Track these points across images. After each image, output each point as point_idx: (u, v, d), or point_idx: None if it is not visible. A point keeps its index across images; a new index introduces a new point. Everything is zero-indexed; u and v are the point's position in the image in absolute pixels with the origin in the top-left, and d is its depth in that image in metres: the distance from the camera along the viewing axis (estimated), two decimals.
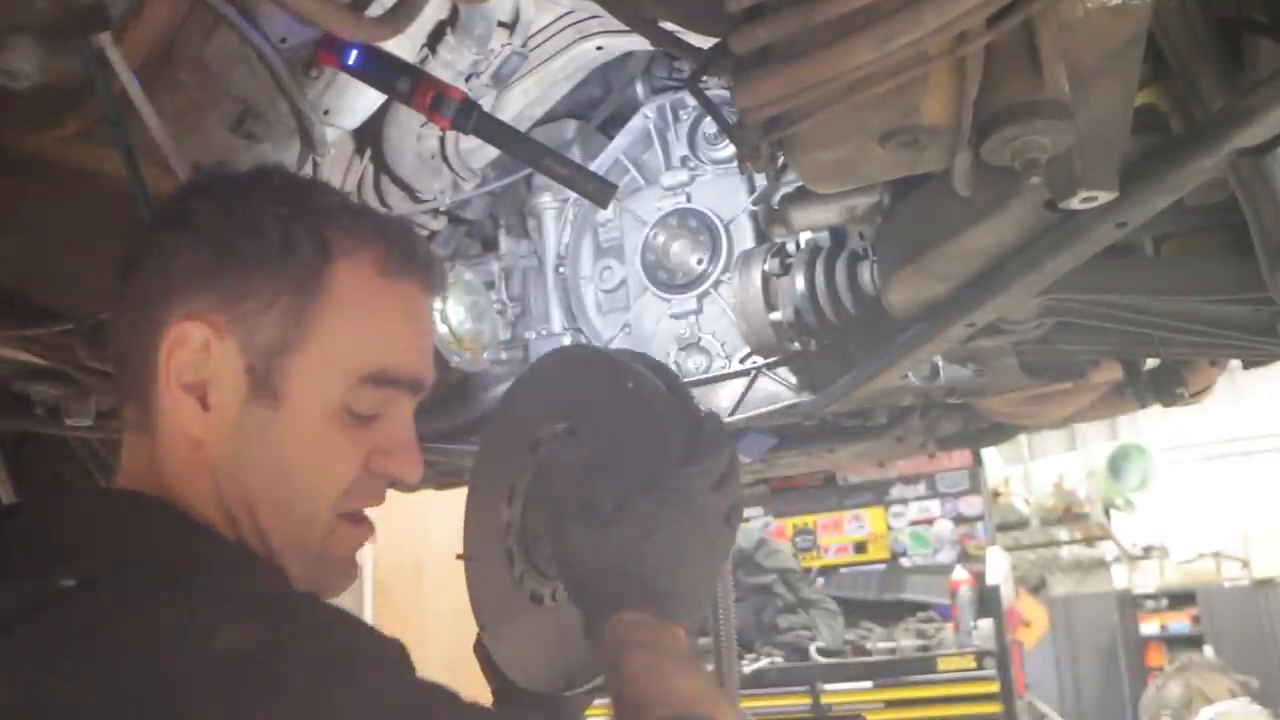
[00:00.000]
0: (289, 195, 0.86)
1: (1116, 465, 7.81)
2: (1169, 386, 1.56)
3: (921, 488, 5.88)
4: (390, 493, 0.92)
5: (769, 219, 1.43)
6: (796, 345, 1.72)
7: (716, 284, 1.92)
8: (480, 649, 1.09)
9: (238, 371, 0.81)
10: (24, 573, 0.72)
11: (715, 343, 1.94)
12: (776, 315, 1.69)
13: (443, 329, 1.66)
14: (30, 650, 0.64)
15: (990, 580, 5.23)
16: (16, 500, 1.95)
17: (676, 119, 1.97)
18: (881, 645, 5.14)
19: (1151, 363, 1.67)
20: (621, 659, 0.85)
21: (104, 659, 0.63)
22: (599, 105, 1.94)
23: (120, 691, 0.62)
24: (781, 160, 1.06)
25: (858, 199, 1.33)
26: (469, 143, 1.70)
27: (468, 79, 1.53)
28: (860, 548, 5.91)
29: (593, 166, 1.88)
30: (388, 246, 0.86)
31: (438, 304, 1.66)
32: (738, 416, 1.86)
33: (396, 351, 0.87)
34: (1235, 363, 1.82)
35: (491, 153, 1.74)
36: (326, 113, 1.38)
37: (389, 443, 0.86)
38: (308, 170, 1.41)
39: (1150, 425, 8.09)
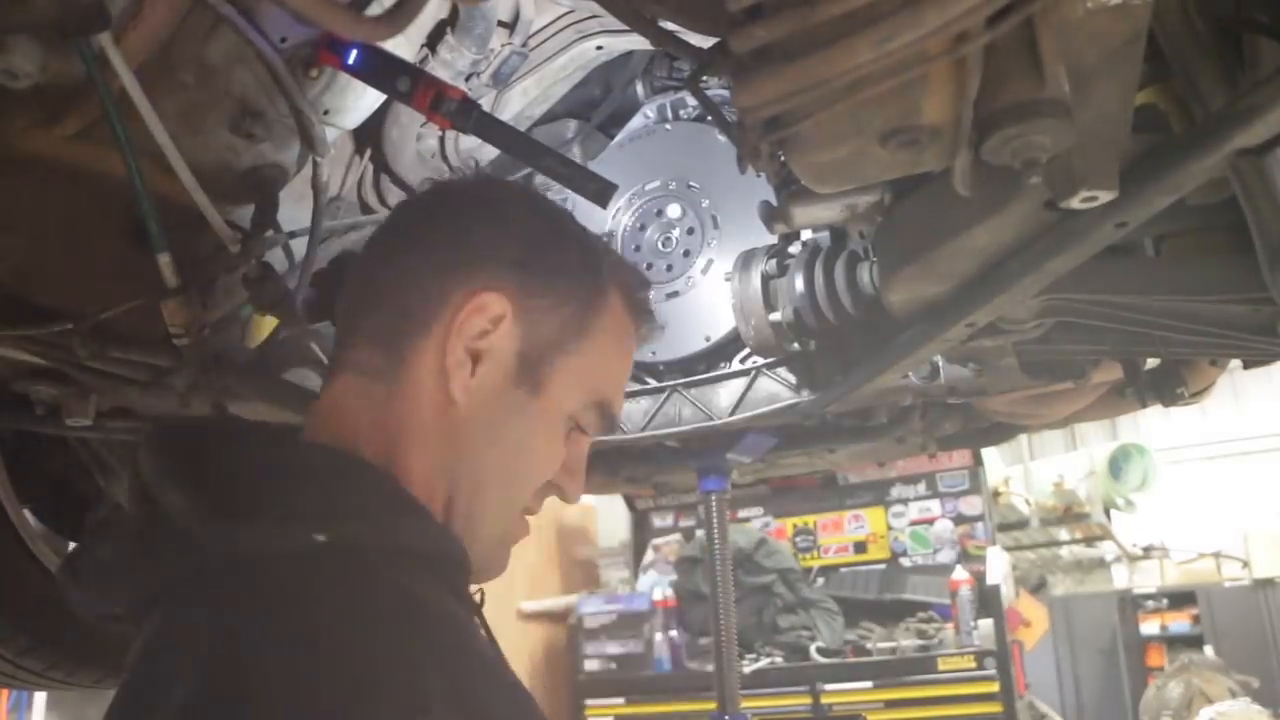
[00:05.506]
0: (567, 214, 0.98)
1: (1117, 465, 7.79)
2: (1169, 386, 1.56)
3: (922, 487, 5.87)
4: None
5: (769, 217, 1.43)
6: (796, 345, 1.72)
7: None
8: None
9: (512, 353, 0.88)
10: (265, 516, 0.76)
11: None
12: (776, 315, 1.69)
13: None
14: (291, 586, 0.72)
15: (990, 580, 5.21)
16: (19, 488, 1.96)
17: (676, 118, 1.97)
18: (881, 645, 5.14)
19: (1152, 362, 1.67)
20: None
21: (308, 631, 0.70)
22: (599, 105, 1.94)
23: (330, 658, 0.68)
24: (782, 160, 1.06)
25: (858, 198, 1.33)
26: (469, 142, 1.70)
27: (468, 79, 1.53)
28: (860, 547, 5.91)
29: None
30: (635, 286, 0.98)
31: None
32: (738, 416, 1.85)
33: (618, 388, 0.98)
34: (1236, 363, 1.82)
35: (491, 152, 1.74)
36: (326, 112, 1.38)
37: (573, 462, 0.95)
38: (307, 170, 1.41)
39: (1150, 425, 8.09)
